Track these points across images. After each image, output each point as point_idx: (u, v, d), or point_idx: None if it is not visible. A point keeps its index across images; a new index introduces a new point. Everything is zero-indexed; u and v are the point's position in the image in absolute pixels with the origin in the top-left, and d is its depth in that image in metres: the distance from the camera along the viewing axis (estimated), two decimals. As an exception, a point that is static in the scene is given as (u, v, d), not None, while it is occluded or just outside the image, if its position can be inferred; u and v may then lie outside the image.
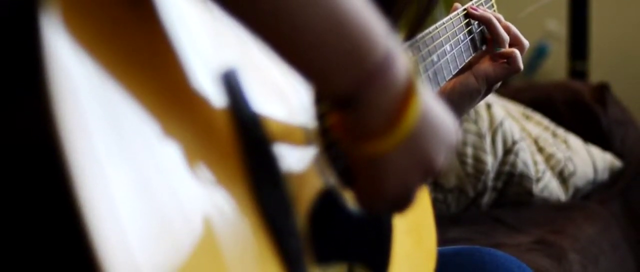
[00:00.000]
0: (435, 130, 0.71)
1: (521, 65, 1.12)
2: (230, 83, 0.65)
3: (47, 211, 0.49)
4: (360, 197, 0.72)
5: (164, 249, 0.53)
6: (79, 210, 0.48)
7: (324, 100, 0.67)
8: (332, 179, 0.77)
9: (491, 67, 1.11)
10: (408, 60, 0.68)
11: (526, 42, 1.13)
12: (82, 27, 0.53)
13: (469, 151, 2.05)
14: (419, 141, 0.69)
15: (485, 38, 1.14)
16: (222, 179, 0.61)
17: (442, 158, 0.73)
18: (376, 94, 0.65)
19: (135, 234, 0.51)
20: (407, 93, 0.66)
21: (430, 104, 0.70)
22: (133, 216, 0.52)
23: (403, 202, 0.73)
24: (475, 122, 2.07)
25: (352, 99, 0.65)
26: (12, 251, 0.49)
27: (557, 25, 3.04)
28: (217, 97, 0.64)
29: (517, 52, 1.10)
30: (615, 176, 2.28)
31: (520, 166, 2.08)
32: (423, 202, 0.99)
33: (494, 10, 1.21)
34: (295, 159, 0.72)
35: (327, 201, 0.75)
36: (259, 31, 0.61)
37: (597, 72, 2.95)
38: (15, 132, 0.49)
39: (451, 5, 1.15)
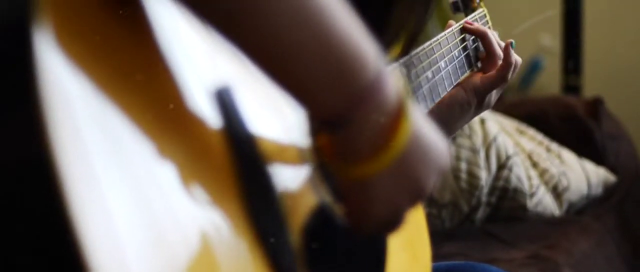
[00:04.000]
0: (425, 152, 0.70)
1: (509, 77, 1.12)
2: (225, 101, 0.65)
3: (41, 226, 0.48)
4: (350, 219, 0.72)
5: (160, 265, 0.53)
6: (73, 225, 0.47)
7: (313, 121, 0.67)
8: (326, 196, 0.77)
9: (479, 80, 1.11)
10: (398, 82, 0.67)
11: (519, 59, 1.13)
12: (75, 44, 0.53)
13: (463, 166, 2.05)
14: (409, 164, 0.68)
15: (479, 56, 1.15)
16: (217, 196, 0.61)
17: (433, 181, 0.72)
18: (365, 117, 0.64)
19: (130, 250, 0.51)
20: (397, 115, 0.66)
21: (420, 125, 0.69)
22: (128, 232, 0.51)
23: (392, 224, 0.73)
24: (469, 137, 2.07)
25: (341, 121, 0.64)
26: (6, 265, 0.48)
27: (551, 40, 3.05)
28: (211, 115, 0.64)
29: (505, 66, 1.11)
30: (609, 190, 2.28)
31: (514, 181, 2.08)
32: (417, 218, 0.99)
33: (489, 27, 1.21)
34: (289, 176, 0.72)
35: (321, 217, 0.74)
36: (247, 51, 0.61)
37: (590, 86, 2.96)
38: (8, 148, 0.49)
39: (445, 22, 1.15)
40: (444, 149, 0.73)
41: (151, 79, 0.59)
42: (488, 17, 1.23)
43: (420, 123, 0.70)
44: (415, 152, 0.69)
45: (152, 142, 0.56)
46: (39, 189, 0.48)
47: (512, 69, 1.12)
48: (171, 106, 0.60)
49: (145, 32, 0.60)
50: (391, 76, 0.66)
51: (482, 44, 1.13)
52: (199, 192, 0.59)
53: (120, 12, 0.58)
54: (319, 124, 0.66)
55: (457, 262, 1.13)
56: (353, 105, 0.63)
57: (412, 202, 0.71)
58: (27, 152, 0.49)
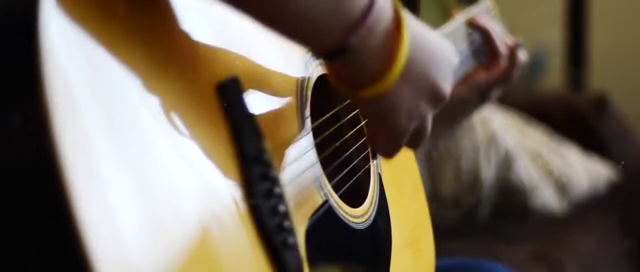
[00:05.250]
0: (431, 54, 0.72)
1: (513, 77, 1.11)
2: (232, 93, 0.64)
3: (43, 215, 0.48)
4: (379, 142, 0.74)
5: (162, 258, 0.52)
6: (74, 214, 0.47)
7: (317, 58, 0.69)
8: (330, 195, 0.76)
9: (482, 77, 1.10)
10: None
11: (523, 58, 1.12)
12: (80, 16, 0.53)
13: (464, 163, 2.04)
14: (418, 69, 0.70)
15: (485, 50, 1.13)
16: (221, 193, 0.60)
17: (447, 79, 0.73)
18: (366, 39, 0.65)
19: (130, 239, 0.50)
20: (395, 28, 0.67)
21: (419, 30, 0.71)
22: (130, 224, 0.51)
23: (420, 132, 0.74)
24: (470, 134, 2.06)
25: (345, 50, 0.65)
26: (7, 253, 0.48)
27: (556, 35, 3.03)
28: (217, 108, 0.63)
29: (508, 64, 1.10)
30: (613, 187, 2.27)
31: (515, 178, 2.07)
32: (422, 215, 0.98)
33: (494, 16, 1.20)
34: (295, 172, 0.71)
35: (325, 215, 0.74)
36: (244, 6, 0.62)
37: (596, 80, 2.94)
38: (11, 134, 0.49)
39: (445, 10, 1.14)
40: (447, 46, 0.75)
41: (158, 72, 0.58)
42: (493, 10, 1.22)
43: (418, 29, 0.71)
44: (421, 56, 0.70)
45: (154, 144, 0.56)
46: (41, 181, 0.48)
47: (516, 69, 1.11)
48: (176, 102, 0.59)
49: (155, 24, 0.60)
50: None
51: (486, 42, 1.11)
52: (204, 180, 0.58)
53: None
54: (322, 58, 0.67)
55: (461, 259, 1.12)
56: (352, 33, 0.64)
57: (434, 104, 0.73)
58: (29, 140, 0.48)
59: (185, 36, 0.62)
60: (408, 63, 0.68)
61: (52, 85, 0.48)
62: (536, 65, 2.85)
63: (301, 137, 0.74)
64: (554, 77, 2.99)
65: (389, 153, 0.75)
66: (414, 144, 0.77)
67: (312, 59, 0.79)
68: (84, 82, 0.52)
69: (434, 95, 0.72)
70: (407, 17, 0.69)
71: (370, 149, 0.86)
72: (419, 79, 0.71)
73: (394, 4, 0.68)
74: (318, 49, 0.67)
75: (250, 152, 0.64)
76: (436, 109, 0.74)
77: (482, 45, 1.12)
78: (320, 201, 0.74)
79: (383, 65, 0.67)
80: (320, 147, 0.78)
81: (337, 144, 0.83)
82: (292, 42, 0.66)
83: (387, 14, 0.67)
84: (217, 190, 0.60)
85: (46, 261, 0.48)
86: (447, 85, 0.73)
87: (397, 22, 0.67)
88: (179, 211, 0.56)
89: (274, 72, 0.73)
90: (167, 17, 0.61)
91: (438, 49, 0.73)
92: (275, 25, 0.64)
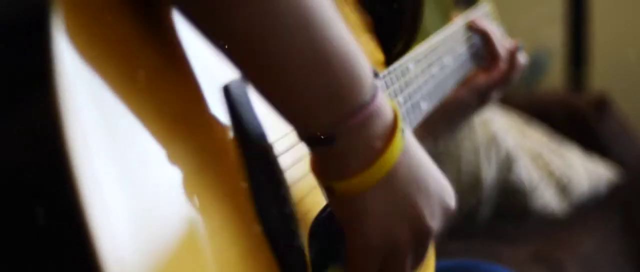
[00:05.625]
0: (424, 182, 0.67)
1: (512, 79, 1.11)
2: (236, 96, 0.64)
3: (48, 218, 0.48)
4: (347, 251, 0.68)
5: (162, 260, 0.52)
6: (79, 218, 0.47)
7: (300, 138, 0.64)
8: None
9: (481, 79, 1.10)
10: (390, 102, 0.65)
11: (523, 61, 1.12)
12: (88, 43, 0.52)
13: (465, 164, 2.05)
14: (404, 187, 0.65)
15: (484, 54, 1.14)
16: (225, 194, 0.61)
17: (436, 216, 0.68)
18: (356, 134, 0.62)
19: (133, 253, 0.51)
20: (389, 133, 0.64)
21: (416, 153, 0.67)
22: (129, 227, 0.51)
23: (391, 256, 0.68)
24: (471, 135, 2.06)
25: (328, 139, 0.62)
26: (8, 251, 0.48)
27: (556, 36, 3.03)
28: (222, 113, 0.63)
29: (506, 68, 1.10)
30: (614, 188, 2.27)
31: (516, 179, 2.07)
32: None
33: (493, 20, 1.20)
34: (299, 173, 0.71)
35: (329, 217, 0.74)
36: (236, 62, 0.59)
37: (596, 81, 2.94)
38: (20, 137, 0.49)
39: (444, 13, 1.14)
40: (447, 187, 0.70)
41: (162, 78, 0.59)
42: (492, 13, 1.22)
43: (417, 152, 0.67)
44: (410, 177, 0.66)
45: (161, 146, 0.56)
46: (48, 184, 0.48)
47: (515, 71, 1.11)
48: (181, 107, 0.59)
49: (159, 33, 0.59)
50: (384, 95, 0.64)
51: (486, 45, 1.12)
52: (205, 196, 0.58)
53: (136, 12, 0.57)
54: (305, 141, 0.64)
55: (461, 261, 1.12)
56: (344, 124, 0.61)
57: (414, 236, 0.67)
58: (39, 148, 0.48)
59: (189, 45, 0.62)
60: (393, 176, 0.64)
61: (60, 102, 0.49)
62: (536, 66, 2.85)
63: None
64: (555, 78, 3.00)
65: (358, 268, 0.68)
66: (389, 267, 0.68)
67: None
68: (87, 101, 0.52)
69: (415, 225, 0.67)
70: (413, 143, 0.67)
71: None
72: (402, 198, 0.66)
73: (394, 111, 0.65)
74: (307, 129, 0.62)
75: (254, 153, 0.64)
76: (416, 243, 0.68)
77: (481, 48, 1.13)
78: (324, 202, 0.74)
79: (365, 162, 0.63)
80: None
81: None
82: (281, 114, 0.62)
83: (385, 117, 0.63)
84: (221, 191, 0.60)
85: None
86: (433, 223, 0.68)
87: (393, 130, 0.64)
88: (181, 213, 0.56)
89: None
90: (172, 32, 0.61)
91: (434, 184, 0.68)
92: (268, 92, 0.60)
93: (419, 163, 0.67)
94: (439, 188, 0.69)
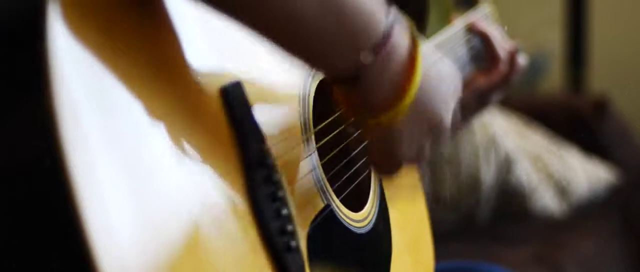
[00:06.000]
0: (438, 84, 0.72)
1: (512, 80, 1.11)
2: (234, 98, 0.65)
3: (43, 213, 0.49)
4: (379, 165, 0.74)
5: (161, 261, 0.53)
6: (75, 213, 0.48)
7: (328, 82, 0.69)
8: (331, 199, 0.76)
9: (481, 81, 1.10)
10: (406, 27, 0.68)
11: (522, 62, 1.12)
12: (84, 27, 0.53)
13: (464, 166, 2.05)
14: (425, 100, 0.70)
15: (484, 55, 1.14)
16: (224, 195, 0.61)
17: (450, 108, 0.74)
18: (381, 67, 0.65)
19: (131, 254, 0.51)
20: (410, 58, 0.67)
21: (428, 59, 0.70)
22: (129, 228, 0.51)
23: (418, 159, 0.75)
24: (470, 137, 2.06)
25: (357, 77, 0.65)
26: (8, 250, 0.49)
27: (555, 37, 3.03)
28: (219, 112, 0.63)
29: (506, 70, 1.10)
30: (613, 190, 2.27)
31: (515, 181, 2.07)
32: (422, 219, 0.98)
33: (492, 22, 1.20)
34: (295, 176, 0.71)
35: (327, 219, 0.74)
36: (254, 25, 0.61)
37: (596, 82, 2.94)
38: (16, 134, 0.49)
39: (444, 15, 1.14)
40: (453, 75, 0.75)
41: (160, 65, 0.59)
42: (492, 15, 1.22)
43: (428, 57, 0.70)
44: (428, 87, 0.70)
45: (154, 152, 0.56)
46: (43, 179, 0.49)
47: (515, 73, 1.11)
48: (181, 99, 0.60)
49: (154, 17, 0.60)
50: (400, 27, 0.67)
51: (486, 47, 1.12)
52: (204, 198, 0.59)
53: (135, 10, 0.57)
54: (334, 82, 0.67)
55: (461, 263, 1.12)
56: (367, 58, 0.64)
57: (433, 135, 0.74)
58: (35, 148, 0.49)
59: (188, 47, 0.63)
60: (418, 99, 0.68)
61: (57, 96, 0.49)
62: (536, 68, 2.85)
63: (303, 141, 0.74)
64: (554, 80, 2.99)
65: (388, 175, 0.76)
66: (411, 166, 0.77)
67: None
68: (85, 89, 0.52)
69: (434, 125, 0.73)
70: (429, 56, 0.70)
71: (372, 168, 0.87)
72: (424, 108, 0.71)
73: (410, 33, 0.68)
74: (330, 73, 0.67)
75: (253, 156, 0.64)
76: (434, 138, 0.74)
77: (481, 51, 1.13)
78: (321, 205, 0.74)
79: (394, 96, 0.67)
80: (322, 151, 0.78)
81: (339, 148, 0.83)
82: (304, 63, 0.66)
83: (404, 43, 0.67)
84: (219, 193, 0.60)
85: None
86: (448, 115, 0.74)
87: (413, 54, 0.67)
88: (179, 214, 0.56)
89: (276, 76, 0.73)
90: (170, 29, 0.61)
91: (444, 78, 0.73)
92: (288, 43, 0.63)
93: (433, 70, 0.71)
94: (449, 83, 0.74)
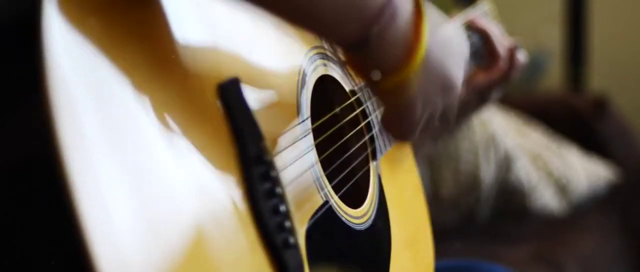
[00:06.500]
0: (446, 43, 0.73)
1: (511, 77, 1.11)
2: (232, 95, 0.65)
3: (42, 211, 0.49)
4: (396, 128, 0.75)
5: (160, 258, 0.53)
6: (73, 211, 0.48)
7: (337, 48, 0.70)
8: (330, 195, 0.76)
9: (481, 78, 1.10)
10: None
11: (522, 59, 1.12)
12: (81, 24, 0.53)
13: (464, 164, 2.04)
14: (433, 57, 0.71)
15: (483, 53, 1.14)
16: (222, 193, 0.61)
17: (460, 70, 0.75)
18: (387, 29, 0.66)
19: (131, 251, 0.51)
20: (415, 18, 0.68)
21: (434, 20, 0.72)
22: (127, 225, 0.51)
23: (430, 120, 0.76)
24: (469, 135, 2.06)
25: (366, 40, 0.66)
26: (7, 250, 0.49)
27: (555, 36, 3.03)
28: (217, 110, 0.63)
29: (505, 67, 1.10)
30: (613, 188, 2.27)
31: (514, 179, 2.07)
32: (421, 216, 0.98)
33: (492, 20, 1.20)
34: (295, 172, 0.71)
35: (325, 215, 0.74)
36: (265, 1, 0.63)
37: (595, 81, 2.94)
38: (13, 129, 0.49)
39: (444, 13, 1.14)
40: (460, 35, 0.77)
41: (157, 75, 0.59)
42: (491, 12, 1.22)
43: (433, 18, 0.72)
44: (436, 46, 0.71)
45: (153, 149, 0.56)
46: (41, 177, 0.49)
47: (515, 70, 1.11)
48: (180, 95, 0.60)
49: (156, 29, 0.60)
50: None
51: (485, 44, 1.12)
52: (202, 196, 0.58)
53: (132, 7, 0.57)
54: (343, 48, 0.68)
55: (461, 261, 1.12)
56: (373, 22, 0.66)
57: (445, 93, 0.75)
58: (33, 146, 0.49)
59: (184, 39, 0.62)
60: (427, 58, 0.70)
61: (53, 91, 0.49)
62: (536, 66, 2.85)
63: (301, 138, 0.74)
64: (554, 78, 2.99)
65: (406, 138, 0.77)
66: (426, 130, 0.79)
67: (311, 59, 0.80)
68: (83, 87, 0.52)
69: (446, 84, 0.74)
70: (435, 18, 0.72)
71: (386, 135, 0.89)
72: (434, 68, 0.72)
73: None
74: (339, 40, 0.68)
75: (251, 152, 0.64)
76: (447, 99, 0.76)
77: (481, 48, 1.12)
78: (320, 202, 0.74)
79: (404, 56, 0.68)
80: (320, 148, 0.78)
81: (337, 144, 0.83)
82: (312, 33, 0.68)
83: (407, 3, 0.68)
84: (218, 190, 0.60)
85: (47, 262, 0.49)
86: (459, 75, 0.76)
87: (417, 12, 0.69)
88: (178, 212, 0.56)
89: (274, 73, 0.73)
90: (166, 21, 0.61)
91: (452, 38, 0.75)
92: (296, 16, 0.65)
93: (439, 30, 0.73)
94: (456, 42, 0.76)
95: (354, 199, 0.82)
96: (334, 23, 0.66)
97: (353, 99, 0.87)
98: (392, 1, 0.66)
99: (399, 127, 0.75)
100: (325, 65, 0.83)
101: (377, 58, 0.68)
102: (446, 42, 0.74)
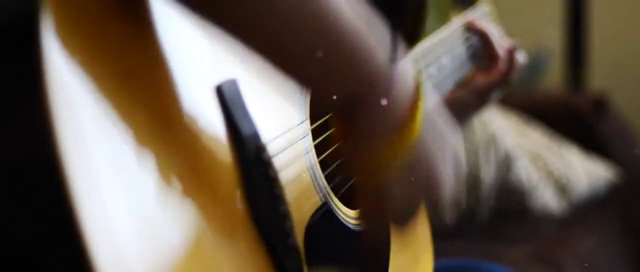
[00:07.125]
0: (439, 141, 0.69)
1: (510, 78, 1.11)
2: (229, 96, 0.65)
3: (43, 218, 0.49)
4: (364, 212, 0.71)
5: (159, 260, 0.53)
6: (74, 216, 0.47)
7: (326, 110, 0.67)
8: (329, 196, 0.76)
9: (480, 78, 1.10)
10: (411, 68, 0.67)
11: (521, 60, 1.12)
12: (77, 42, 0.52)
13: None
14: (423, 152, 0.67)
15: (482, 54, 1.14)
16: (219, 194, 0.61)
17: (448, 172, 0.70)
18: (376, 107, 0.64)
19: (129, 252, 0.51)
20: (412, 102, 0.65)
21: (433, 113, 0.69)
22: (126, 225, 0.51)
23: (405, 217, 0.71)
24: (470, 135, 2.06)
25: (353, 113, 0.64)
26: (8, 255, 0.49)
27: (555, 36, 3.03)
28: (213, 114, 0.63)
29: (504, 68, 1.10)
30: (613, 188, 2.27)
31: (515, 179, 2.07)
32: (420, 216, 0.98)
33: (491, 21, 1.20)
34: (294, 173, 0.71)
35: (324, 216, 0.74)
36: (256, 48, 0.61)
37: (595, 81, 2.94)
38: (14, 144, 0.49)
39: (442, 14, 1.14)
40: (456, 139, 0.72)
41: (150, 78, 0.59)
42: (491, 13, 1.22)
43: (433, 111, 0.69)
44: (429, 140, 0.67)
45: (150, 151, 0.56)
46: (42, 185, 0.48)
47: (514, 71, 1.11)
48: (171, 108, 0.59)
49: (146, 32, 0.59)
50: (404, 63, 0.66)
51: (485, 45, 1.12)
52: (199, 197, 0.59)
53: (124, 12, 0.57)
54: (332, 112, 0.66)
55: (460, 261, 1.12)
56: (365, 91, 0.63)
57: (428, 194, 0.70)
58: (32, 149, 0.49)
59: (182, 43, 0.62)
60: (415, 149, 0.66)
61: (54, 91, 0.49)
62: (535, 66, 2.85)
63: (300, 138, 0.74)
64: (554, 78, 2.99)
65: (371, 227, 0.72)
66: (397, 225, 0.73)
67: None
68: (80, 93, 0.52)
69: (431, 184, 0.69)
70: (431, 110, 0.68)
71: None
72: (421, 164, 0.68)
73: (414, 81, 0.66)
74: (324, 104, 0.65)
75: (249, 153, 0.64)
76: (428, 198, 0.71)
77: (480, 49, 1.13)
78: (319, 202, 0.74)
79: (390, 138, 0.65)
80: (319, 148, 0.78)
81: (336, 145, 0.83)
82: (306, 87, 0.64)
83: (403, 93, 0.65)
84: (216, 191, 0.61)
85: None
86: (445, 176, 0.70)
87: (416, 94, 0.66)
88: (176, 213, 0.56)
89: (273, 74, 0.73)
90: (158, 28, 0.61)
91: (446, 138, 0.70)
92: (287, 70, 0.62)
93: (436, 126, 0.68)
94: (451, 144, 0.71)
95: (353, 199, 0.82)
96: (329, 81, 0.63)
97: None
98: (394, 72, 0.63)
99: (370, 215, 0.70)
100: None
101: (365, 126, 0.64)
102: (440, 139, 0.69)
